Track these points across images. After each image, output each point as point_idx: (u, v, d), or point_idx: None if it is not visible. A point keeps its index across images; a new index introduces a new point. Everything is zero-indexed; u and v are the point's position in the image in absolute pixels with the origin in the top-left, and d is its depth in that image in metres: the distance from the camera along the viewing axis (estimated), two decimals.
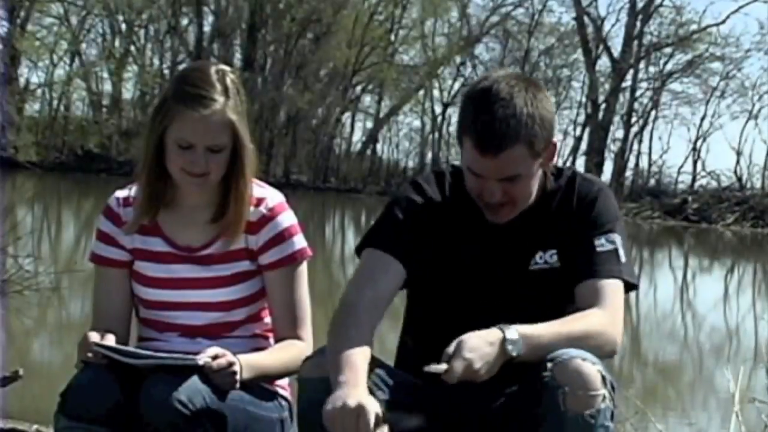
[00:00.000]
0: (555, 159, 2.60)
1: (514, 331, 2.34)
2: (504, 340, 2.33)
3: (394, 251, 2.54)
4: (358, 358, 2.32)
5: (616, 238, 2.56)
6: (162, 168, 2.67)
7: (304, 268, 2.76)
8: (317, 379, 2.33)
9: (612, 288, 2.51)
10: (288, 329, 2.73)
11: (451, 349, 2.30)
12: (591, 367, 2.30)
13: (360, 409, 2.19)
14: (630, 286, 2.56)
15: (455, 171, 2.67)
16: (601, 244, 2.54)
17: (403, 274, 2.53)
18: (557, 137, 2.59)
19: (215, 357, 2.50)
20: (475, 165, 2.48)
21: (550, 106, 2.54)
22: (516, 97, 2.46)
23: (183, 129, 2.59)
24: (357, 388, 2.25)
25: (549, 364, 2.31)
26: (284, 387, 2.76)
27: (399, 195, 2.66)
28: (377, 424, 2.21)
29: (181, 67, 30.94)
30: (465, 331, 2.52)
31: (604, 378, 2.31)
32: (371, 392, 2.29)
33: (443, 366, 2.28)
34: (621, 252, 2.56)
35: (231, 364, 2.52)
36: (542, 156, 2.52)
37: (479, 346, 2.31)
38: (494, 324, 2.48)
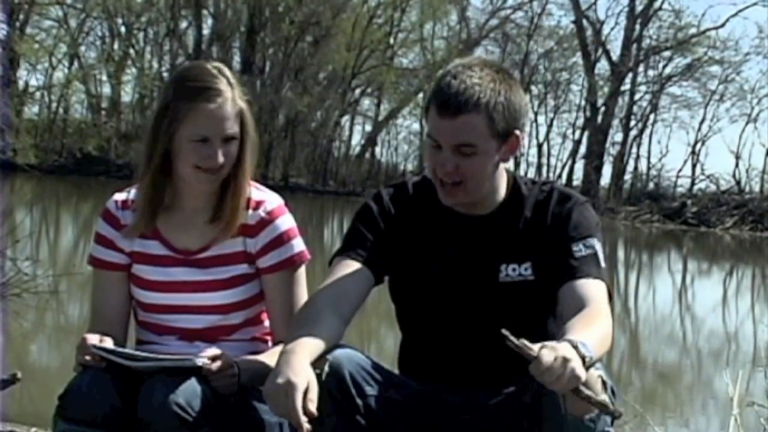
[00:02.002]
0: (516, 152, 2.60)
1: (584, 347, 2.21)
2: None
3: (356, 255, 2.59)
4: (306, 340, 2.34)
5: (595, 243, 2.54)
6: (164, 173, 2.67)
7: (302, 272, 2.76)
8: None
9: (598, 288, 2.47)
10: (286, 332, 2.72)
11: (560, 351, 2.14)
12: (592, 372, 2.28)
13: (288, 385, 2.22)
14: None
15: (418, 181, 2.71)
16: (579, 249, 2.52)
17: (367, 274, 2.57)
18: (525, 132, 2.57)
19: (214, 358, 2.50)
20: (434, 129, 2.51)
21: (521, 96, 2.54)
22: (485, 73, 2.50)
23: (197, 124, 2.59)
24: (289, 365, 2.27)
25: None
26: None
27: (360, 206, 2.71)
28: (308, 398, 2.23)
29: None
30: (443, 339, 2.56)
31: (604, 383, 2.30)
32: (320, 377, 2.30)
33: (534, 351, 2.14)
34: (600, 257, 2.53)
35: (230, 367, 2.52)
36: (503, 141, 2.51)
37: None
38: (470, 334, 2.52)
